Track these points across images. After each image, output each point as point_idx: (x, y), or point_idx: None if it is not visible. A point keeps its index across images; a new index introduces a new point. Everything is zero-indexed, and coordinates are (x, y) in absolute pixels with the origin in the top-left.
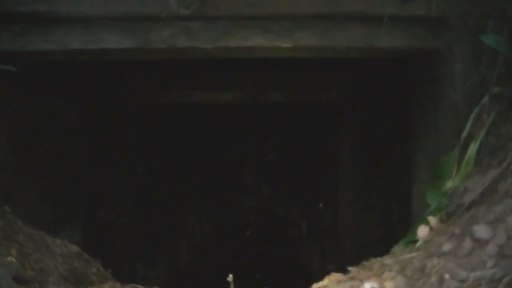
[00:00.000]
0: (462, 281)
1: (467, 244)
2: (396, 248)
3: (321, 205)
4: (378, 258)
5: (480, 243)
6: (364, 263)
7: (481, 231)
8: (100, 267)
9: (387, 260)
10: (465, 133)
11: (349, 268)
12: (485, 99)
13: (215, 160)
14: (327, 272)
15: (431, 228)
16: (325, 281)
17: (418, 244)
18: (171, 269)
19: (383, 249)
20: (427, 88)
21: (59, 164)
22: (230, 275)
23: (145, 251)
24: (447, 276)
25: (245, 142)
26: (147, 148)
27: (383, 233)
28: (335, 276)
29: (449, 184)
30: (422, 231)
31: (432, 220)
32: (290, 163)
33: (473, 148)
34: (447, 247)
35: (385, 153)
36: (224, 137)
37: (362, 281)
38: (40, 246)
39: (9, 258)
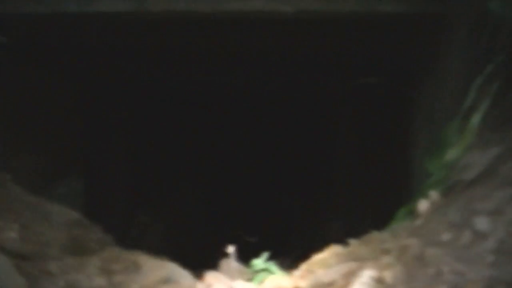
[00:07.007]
0: (461, 275)
1: (467, 236)
2: (395, 224)
3: None
4: (378, 233)
5: (479, 236)
6: (364, 237)
7: (481, 223)
8: (101, 233)
9: (386, 237)
10: (467, 102)
11: (350, 241)
12: (490, 67)
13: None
14: None
15: (431, 203)
16: (325, 253)
17: (417, 222)
18: (170, 218)
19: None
20: (429, 54)
21: (57, 119)
22: (230, 247)
23: (144, 199)
24: (445, 268)
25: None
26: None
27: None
28: (334, 249)
29: (450, 154)
30: (422, 206)
31: (433, 194)
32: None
33: (475, 118)
34: (446, 236)
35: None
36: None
37: (361, 261)
38: (40, 216)
39: (11, 234)
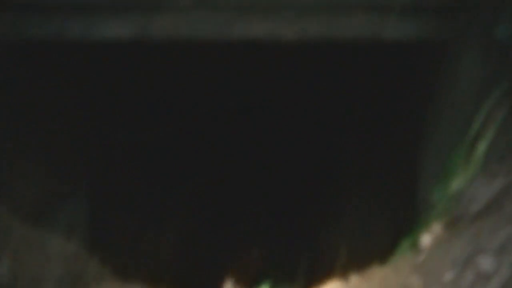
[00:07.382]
0: None
1: (470, 275)
2: (397, 258)
3: None
4: (380, 268)
5: (483, 276)
6: (366, 272)
7: (485, 263)
8: (98, 266)
9: (388, 273)
10: (473, 129)
11: (351, 277)
12: (496, 93)
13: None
14: None
15: (434, 237)
16: None
17: (420, 257)
18: (178, 232)
19: None
20: (437, 77)
21: (62, 134)
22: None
23: (153, 219)
24: None
25: None
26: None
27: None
28: (335, 285)
29: (455, 184)
30: (425, 240)
31: (436, 227)
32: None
33: (481, 147)
34: (448, 276)
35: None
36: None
37: None
38: (36, 248)
39: (1, 270)
